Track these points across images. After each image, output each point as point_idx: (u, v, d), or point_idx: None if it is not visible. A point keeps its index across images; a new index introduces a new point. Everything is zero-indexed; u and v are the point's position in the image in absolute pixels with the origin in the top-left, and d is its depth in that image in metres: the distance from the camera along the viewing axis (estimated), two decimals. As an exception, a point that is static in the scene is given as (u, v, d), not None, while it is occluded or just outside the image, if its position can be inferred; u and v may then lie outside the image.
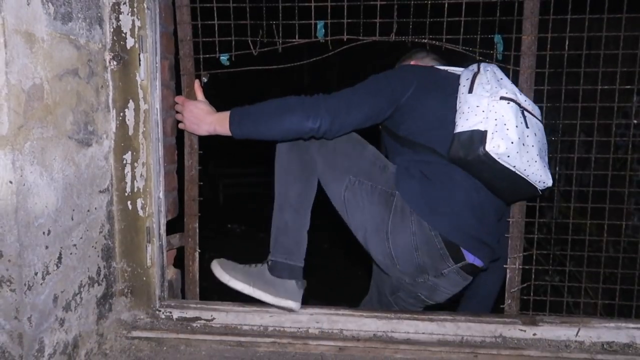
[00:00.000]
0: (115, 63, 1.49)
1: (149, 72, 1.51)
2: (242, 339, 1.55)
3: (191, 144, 1.77)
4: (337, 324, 1.59)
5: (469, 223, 1.54)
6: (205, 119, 1.60)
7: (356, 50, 1.77)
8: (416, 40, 1.65)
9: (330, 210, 1.68)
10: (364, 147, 1.62)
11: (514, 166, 1.41)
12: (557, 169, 1.84)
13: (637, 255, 1.80)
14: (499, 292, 1.86)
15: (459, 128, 1.43)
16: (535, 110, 1.49)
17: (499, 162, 1.40)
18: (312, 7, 1.65)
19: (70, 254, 1.31)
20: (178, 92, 1.76)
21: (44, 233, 1.20)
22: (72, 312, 1.33)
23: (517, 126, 1.38)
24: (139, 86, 1.51)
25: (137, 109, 1.52)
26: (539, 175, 1.46)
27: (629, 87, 1.66)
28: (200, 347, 1.55)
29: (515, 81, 1.62)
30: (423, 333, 1.56)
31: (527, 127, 1.41)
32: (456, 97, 1.50)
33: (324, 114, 1.47)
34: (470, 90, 1.45)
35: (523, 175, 1.45)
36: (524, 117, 1.41)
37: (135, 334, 1.56)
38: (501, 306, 1.74)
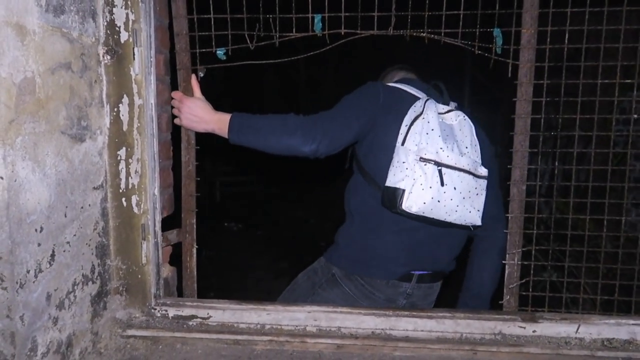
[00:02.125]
0: (109, 57, 1.46)
1: (143, 67, 1.49)
2: (239, 337, 1.53)
3: (188, 139, 1.75)
4: (335, 322, 1.57)
5: (406, 257, 1.70)
6: (203, 117, 1.63)
7: (353, 46, 1.76)
8: (414, 34, 1.63)
9: (330, 209, 1.67)
10: (294, 283, 1.91)
11: (433, 217, 1.52)
12: (557, 163, 1.83)
13: (636, 250, 1.79)
14: (495, 287, 1.85)
15: (388, 182, 1.54)
16: (461, 161, 1.53)
17: (417, 214, 1.51)
18: (310, 0, 1.62)
19: (64, 251, 1.29)
20: (173, 87, 1.73)
21: (36, 230, 1.17)
22: (65, 311, 1.31)
23: (431, 187, 1.48)
24: (133, 81, 1.49)
25: (131, 104, 1.49)
26: (463, 219, 1.55)
27: (629, 81, 1.65)
28: (196, 346, 1.53)
29: (514, 75, 1.61)
30: (422, 330, 1.54)
31: (443, 184, 1.49)
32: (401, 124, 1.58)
33: (321, 139, 1.55)
34: (404, 142, 1.54)
35: (446, 221, 1.54)
36: (441, 176, 1.50)
37: (130, 332, 1.53)
38: (500, 302, 1.73)
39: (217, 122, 1.62)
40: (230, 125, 1.60)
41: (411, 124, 1.54)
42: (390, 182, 1.53)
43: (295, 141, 1.55)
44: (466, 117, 1.62)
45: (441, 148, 1.50)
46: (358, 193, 1.73)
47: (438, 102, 1.64)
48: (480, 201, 1.58)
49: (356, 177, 1.75)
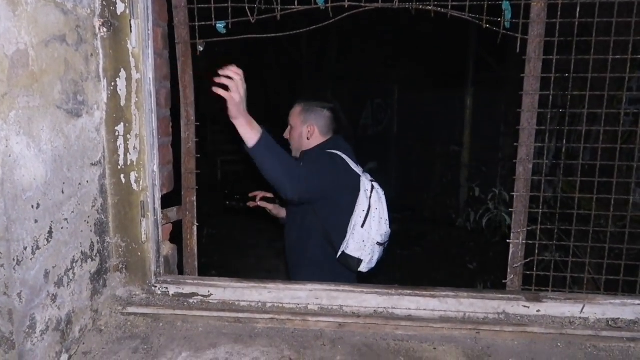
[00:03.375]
0: (105, 30, 1.42)
1: (140, 40, 1.44)
2: (240, 315, 1.52)
3: (187, 115, 1.72)
4: (337, 300, 1.56)
5: None
6: (241, 105, 1.67)
7: (356, 21, 1.71)
8: (420, 7, 1.57)
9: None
10: None
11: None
12: (564, 142, 1.79)
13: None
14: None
15: (349, 250, 2.08)
16: (389, 234, 2.16)
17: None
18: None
19: (62, 228, 1.27)
20: (171, 62, 1.69)
21: (32, 206, 1.15)
22: (64, 288, 1.29)
23: (377, 260, 2.16)
24: (130, 54, 1.45)
25: (129, 79, 1.46)
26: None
27: (640, 57, 1.60)
28: (197, 324, 1.52)
29: (523, 50, 1.56)
30: (425, 309, 1.53)
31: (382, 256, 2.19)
32: (355, 205, 2.08)
33: (302, 193, 1.90)
34: (363, 225, 2.06)
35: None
36: (384, 249, 2.18)
37: (130, 310, 1.52)
38: (503, 281, 1.71)
39: (247, 121, 1.71)
40: (260, 139, 1.73)
41: (368, 211, 2.06)
42: (351, 251, 2.07)
43: (288, 185, 1.85)
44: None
45: (385, 232, 2.11)
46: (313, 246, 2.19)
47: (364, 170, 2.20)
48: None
49: (309, 233, 2.17)
